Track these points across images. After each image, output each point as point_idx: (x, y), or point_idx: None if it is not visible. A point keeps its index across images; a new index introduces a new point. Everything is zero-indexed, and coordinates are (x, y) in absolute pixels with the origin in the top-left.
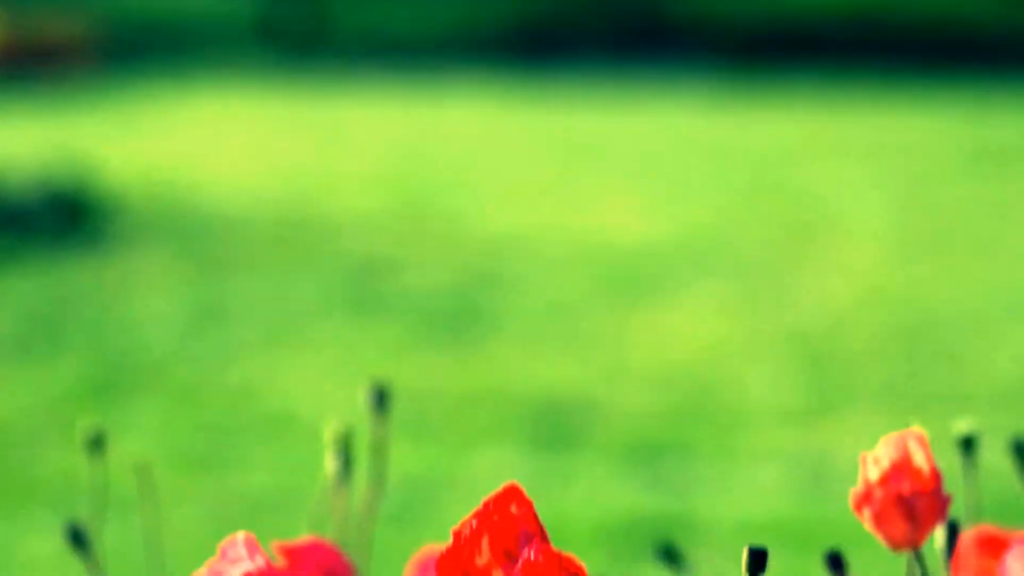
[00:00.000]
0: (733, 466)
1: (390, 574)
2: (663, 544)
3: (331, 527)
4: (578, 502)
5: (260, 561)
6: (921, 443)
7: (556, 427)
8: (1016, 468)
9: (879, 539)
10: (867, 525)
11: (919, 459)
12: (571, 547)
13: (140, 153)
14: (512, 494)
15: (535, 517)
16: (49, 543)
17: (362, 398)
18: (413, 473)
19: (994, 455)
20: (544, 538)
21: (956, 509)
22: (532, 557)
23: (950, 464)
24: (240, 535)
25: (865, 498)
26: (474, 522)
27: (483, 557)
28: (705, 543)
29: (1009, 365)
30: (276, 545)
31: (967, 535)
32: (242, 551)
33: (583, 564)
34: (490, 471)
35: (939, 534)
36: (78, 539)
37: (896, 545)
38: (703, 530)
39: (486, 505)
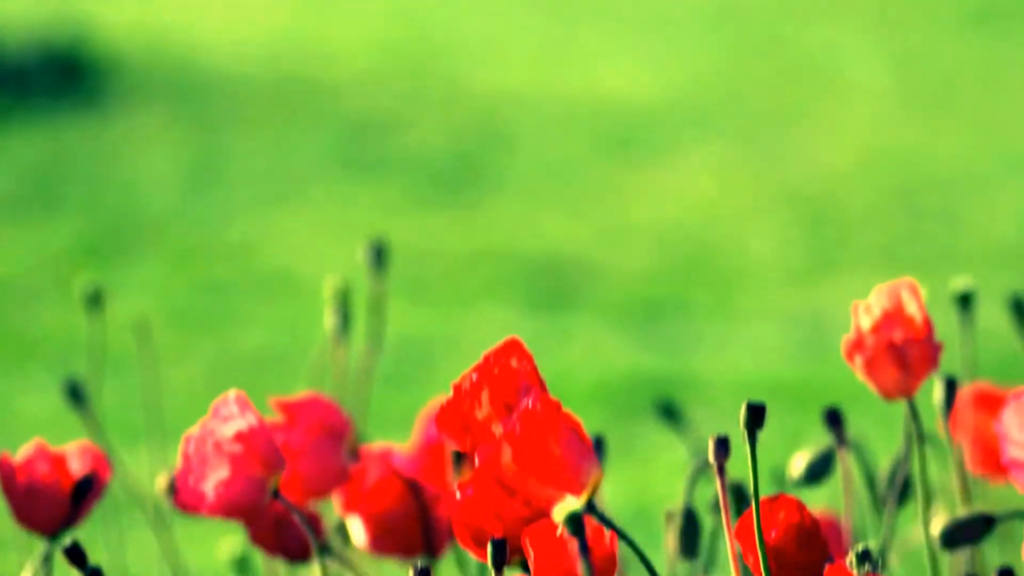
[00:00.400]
0: (732, 325)
1: (387, 433)
2: (662, 401)
3: (329, 385)
4: (577, 361)
5: (252, 419)
6: (913, 292)
7: (555, 286)
8: (1013, 325)
9: (872, 388)
10: (859, 373)
11: (911, 308)
12: (570, 405)
13: (137, 12)
14: (512, 348)
15: (535, 371)
16: (47, 402)
17: (360, 256)
18: (411, 333)
19: (992, 314)
20: (544, 392)
21: (953, 367)
22: (530, 405)
23: (948, 323)
24: (231, 393)
25: (856, 346)
26: (474, 375)
27: (483, 410)
28: (703, 402)
29: (1008, 225)
30: (274, 401)
31: (964, 393)
32: (234, 409)
33: (580, 420)
34: (488, 330)
35: (937, 390)
36: (76, 395)
37: (888, 394)
38: (701, 389)
39: (486, 359)
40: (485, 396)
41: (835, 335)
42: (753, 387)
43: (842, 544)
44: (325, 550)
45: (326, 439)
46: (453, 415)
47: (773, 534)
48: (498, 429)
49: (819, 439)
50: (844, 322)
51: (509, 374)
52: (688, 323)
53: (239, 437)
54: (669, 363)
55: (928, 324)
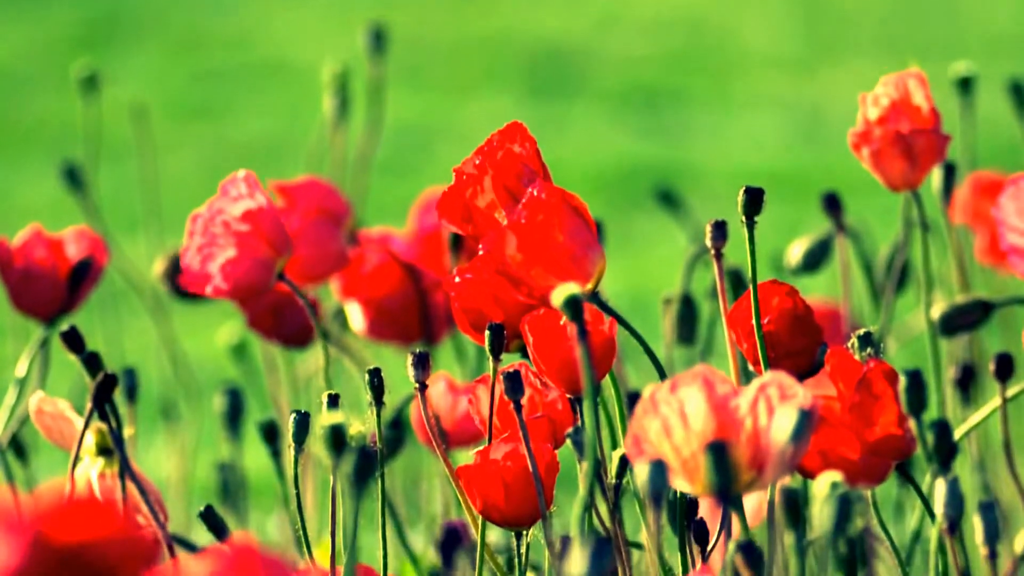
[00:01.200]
0: (729, 114)
1: (385, 220)
2: (660, 187)
3: (327, 173)
4: (574, 150)
5: (261, 199)
6: (920, 82)
7: (552, 75)
8: (1013, 111)
9: (878, 180)
10: (865, 165)
11: (918, 98)
12: None
13: None
14: (515, 132)
15: (538, 155)
16: (44, 189)
17: (359, 42)
18: (408, 121)
19: (991, 103)
20: (547, 177)
21: (952, 155)
22: (536, 194)
23: (948, 113)
24: (241, 172)
25: (864, 137)
26: (476, 160)
27: (485, 196)
28: (700, 192)
29: (1007, 14)
30: (273, 184)
31: (965, 181)
32: (243, 189)
33: (584, 204)
34: (486, 118)
35: (936, 177)
36: (73, 179)
37: (894, 186)
38: (698, 179)
39: (489, 142)
40: (487, 181)
41: (832, 125)
42: (750, 177)
43: (840, 332)
44: (325, 335)
45: (325, 222)
46: (454, 201)
47: (766, 320)
48: (500, 215)
49: (816, 230)
50: (842, 112)
51: (512, 159)
52: (685, 112)
53: (247, 216)
54: (666, 152)
55: (935, 114)
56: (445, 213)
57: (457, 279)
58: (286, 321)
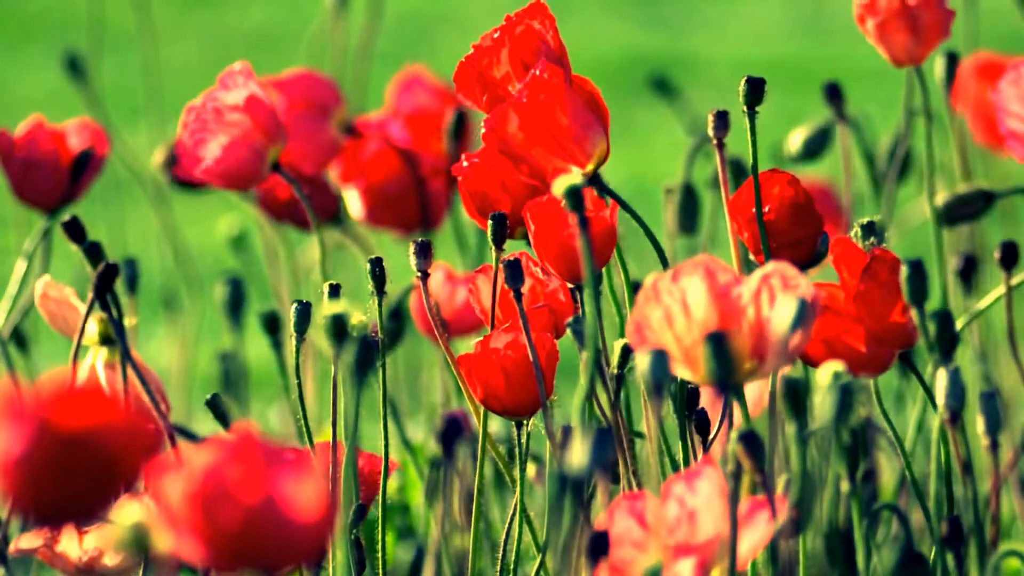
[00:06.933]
0: (731, 4)
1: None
2: (658, 76)
3: (328, 62)
4: (575, 40)
5: (255, 88)
6: None
7: None
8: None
9: (882, 55)
10: (869, 38)
11: None
12: None
13: None
14: (537, 9)
15: (557, 35)
16: (46, 80)
17: None
18: (408, 10)
19: None
20: (564, 59)
21: (955, 43)
22: (539, 73)
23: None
24: (237, 64)
25: (869, 8)
26: (495, 34)
27: (501, 68)
28: (702, 82)
29: None
30: (265, 80)
31: (966, 63)
32: (238, 79)
33: (597, 89)
34: (486, 8)
35: (939, 65)
36: (75, 68)
37: (897, 60)
38: (700, 69)
39: (508, 18)
40: (504, 54)
41: (834, 15)
42: (752, 67)
43: (832, 209)
44: (339, 221)
45: (311, 114)
46: (470, 72)
47: (767, 209)
48: (515, 88)
49: (817, 120)
50: (843, 1)
51: (531, 34)
52: (686, 1)
53: (240, 105)
54: (667, 42)
55: None
56: (460, 84)
57: (465, 163)
58: (298, 205)
